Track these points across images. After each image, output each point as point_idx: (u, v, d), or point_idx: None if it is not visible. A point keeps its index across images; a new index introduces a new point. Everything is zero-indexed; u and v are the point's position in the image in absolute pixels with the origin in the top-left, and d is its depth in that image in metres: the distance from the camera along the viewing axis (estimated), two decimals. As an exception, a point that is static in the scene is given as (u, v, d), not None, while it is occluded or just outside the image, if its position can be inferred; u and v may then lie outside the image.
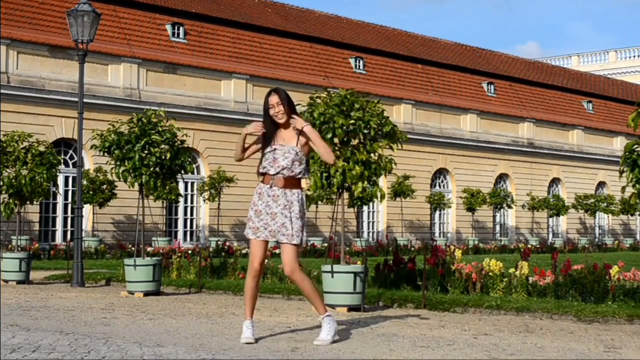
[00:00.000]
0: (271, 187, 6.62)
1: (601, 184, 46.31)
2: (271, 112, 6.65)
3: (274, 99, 6.65)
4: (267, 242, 6.61)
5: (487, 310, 9.13)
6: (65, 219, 26.35)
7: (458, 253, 10.99)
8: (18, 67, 25.52)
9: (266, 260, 12.94)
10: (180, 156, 11.79)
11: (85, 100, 16.26)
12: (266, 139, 6.70)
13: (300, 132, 6.63)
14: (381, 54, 37.55)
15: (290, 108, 6.67)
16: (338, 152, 9.51)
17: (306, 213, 6.77)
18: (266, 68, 32.04)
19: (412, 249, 28.76)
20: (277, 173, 6.61)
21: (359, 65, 36.23)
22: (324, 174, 9.53)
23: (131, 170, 11.59)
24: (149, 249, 19.48)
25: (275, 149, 6.63)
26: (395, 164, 10.15)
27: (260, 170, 6.72)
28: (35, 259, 19.62)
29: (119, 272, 13.51)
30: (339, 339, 6.75)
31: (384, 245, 28.78)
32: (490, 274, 10.32)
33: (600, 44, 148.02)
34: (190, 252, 19.70)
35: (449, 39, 45.45)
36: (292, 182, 6.66)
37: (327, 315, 6.63)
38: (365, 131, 9.53)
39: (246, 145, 6.81)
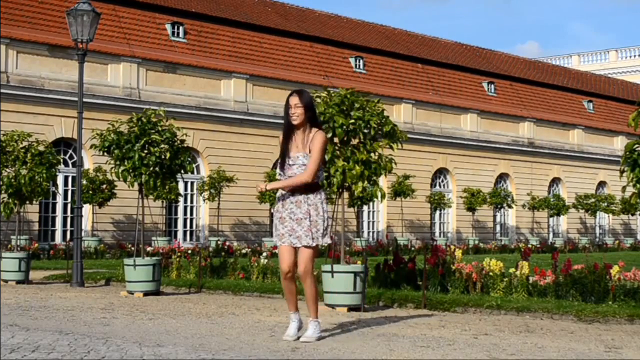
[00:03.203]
0: (293, 194, 6.72)
1: (602, 184, 46.30)
2: (290, 112, 6.73)
3: (294, 100, 6.74)
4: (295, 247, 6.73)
5: (488, 310, 9.11)
6: (64, 219, 26.34)
7: (458, 253, 10.97)
8: (18, 67, 25.50)
9: (266, 260, 12.94)
10: (180, 156, 11.77)
11: (84, 99, 16.26)
12: (285, 140, 6.78)
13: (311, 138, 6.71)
14: (381, 54, 37.53)
15: (308, 113, 6.72)
16: (338, 152, 9.49)
17: (329, 213, 6.86)
18: (266, 67, 32.01)
19: (412, 248, 28.74)
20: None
21: (359, 65, 36.22)
22: (324, 174, 9.50)
23: (131, 170, 11.57)
24: (148, 248, 19.45)
25: (292, 157, 6.73)
26: (396, 163, 10.14)
27: (281, 174, 6.82)
28: (35, 258, 19.62)
29: (119, 272, 13.50)
30: (323, 337, 6.84)
31: (384, 245, 28.77)
32: (491, 273, 10.31)
33: (600, 44, 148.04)
34: (190, 251, 19.68)
35: (449, 39, 45.50)
36: (311, 187, 6.74)
37: (316, 320, 6.81)
38: (366, 131, 9.52)
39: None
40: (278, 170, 6.82)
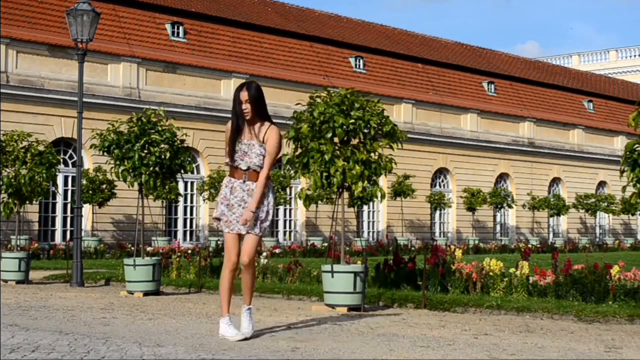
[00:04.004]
0: (244, 181, 6.78)
1: (602, 184, 46.30)
2: (242, 107, 6.77)
3: (244, 96, 6.78)
4: (240, 234, 6.81)
5: (488, 310, 9.10)
6: (64, 219, 26.33)
7: (458, 253, 10.96)
8: (17, 67, 25.50)
9: (265, 260, 12.95)
10: (179, 156, 11.76)
11: (84, 99, 16.25)
12: (235, 130, 6.81)
13: (266, 131, 6.80)
14: (381, 53, 37.52)
15: (257, 107, 6.78)
16: (338, 152, 9.48)
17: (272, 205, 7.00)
18: (266, 67, 32.01)
19: (413, 248, 28.74)
20: (248, 168, 6.77)
21: (359, 65, 36.21)
22: (324, 174, 9.50)
23: (131, 170, 11.56)
24: (148, 248, 19.44)
25: (246, 144, 6.77)
26: (396, 163, 10.13)
27: (231, 164, 6.85)
28: (35, 258, 19.61)
29: (119, 271, 13.49)
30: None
31: (384, 245, 28.76)
32: (491, 273, 10.30)
33: (601, 44, 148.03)
34: (189, 251, 19.67)
35: (449, 38, 45.47)
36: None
37: (250, 307, 6.93)
38: (366, 130, 9.51)
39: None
40: (227, 160, 6.83)
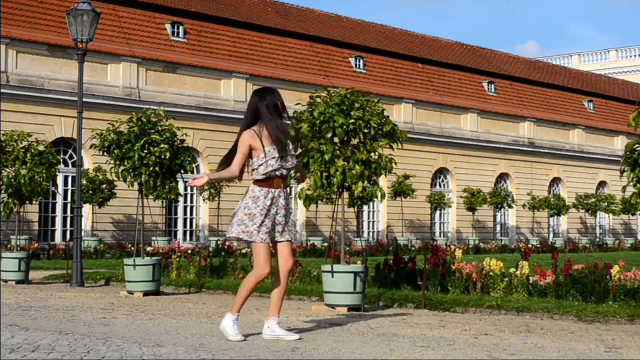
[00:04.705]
0: (282, 189, 6.72)
1: (602, 184, 46.29)
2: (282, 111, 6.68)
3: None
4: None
5: (488, 310, 9.10)
6: (64, 219, 26.32)
7: (458, 253, 10.96)
8: (17, 67, 25.49)
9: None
10: (179, 155, 11.76)
11: (84, 99, 16.24)
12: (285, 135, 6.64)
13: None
14: (381, 53, 37.51)
15: None
16: (338, 152, 9.48)
17: None
18: (266, 67, 32.01)
19: (413, 248, 28.73)
20: (286, 174, 6.73)
21: (359, 65, 36.20)
22: (324, 174, 9.50)
23: (130, 170, 11.56)
24: (148, 248, 19.45)
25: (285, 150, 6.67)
26: (396, 163, 10.12)
27: (270, 173, 6.60)
28: (35, 258, 19.61)
29: (119, 271, 13.49)
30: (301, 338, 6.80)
31: (384, 245, 28.75)
32: (491, 273, 10.30)
33: (601, 43, 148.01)
34: (189, 251, 19.67)
35: (450, 38, 45.44)
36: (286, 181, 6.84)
37: (279, 320, 6.77)
38: (366, 130, 9.50)
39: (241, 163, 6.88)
40: (275, 162, 6.56)
